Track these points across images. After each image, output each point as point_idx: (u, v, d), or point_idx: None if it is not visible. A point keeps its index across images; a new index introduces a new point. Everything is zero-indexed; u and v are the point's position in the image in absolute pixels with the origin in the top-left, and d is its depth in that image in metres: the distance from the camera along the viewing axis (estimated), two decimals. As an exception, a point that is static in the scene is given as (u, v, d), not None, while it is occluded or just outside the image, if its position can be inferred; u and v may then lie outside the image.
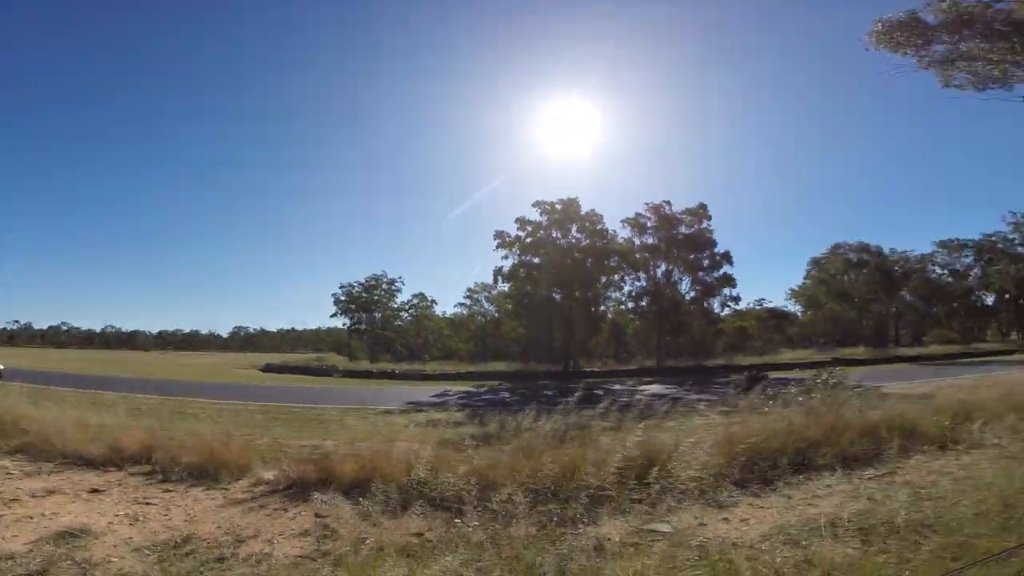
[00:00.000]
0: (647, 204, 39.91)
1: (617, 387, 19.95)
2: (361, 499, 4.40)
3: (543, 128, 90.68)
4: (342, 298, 56.68)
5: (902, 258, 47.61)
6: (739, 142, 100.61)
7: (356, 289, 56.92)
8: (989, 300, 48.66)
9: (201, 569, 3.12)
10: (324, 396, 17.96)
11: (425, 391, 21.03)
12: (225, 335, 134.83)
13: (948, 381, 14.29)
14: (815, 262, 49.79)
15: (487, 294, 56.51)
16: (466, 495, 4.34)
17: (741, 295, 41.38)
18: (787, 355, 35.53)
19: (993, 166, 79.11)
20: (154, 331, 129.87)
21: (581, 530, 3.85)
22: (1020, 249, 43.61)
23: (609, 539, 3.70)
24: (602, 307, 41.20)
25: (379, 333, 56.94)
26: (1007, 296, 46.04)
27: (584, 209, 38.26)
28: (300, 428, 10.03)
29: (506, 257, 38.46)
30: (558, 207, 37.89)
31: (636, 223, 39.57)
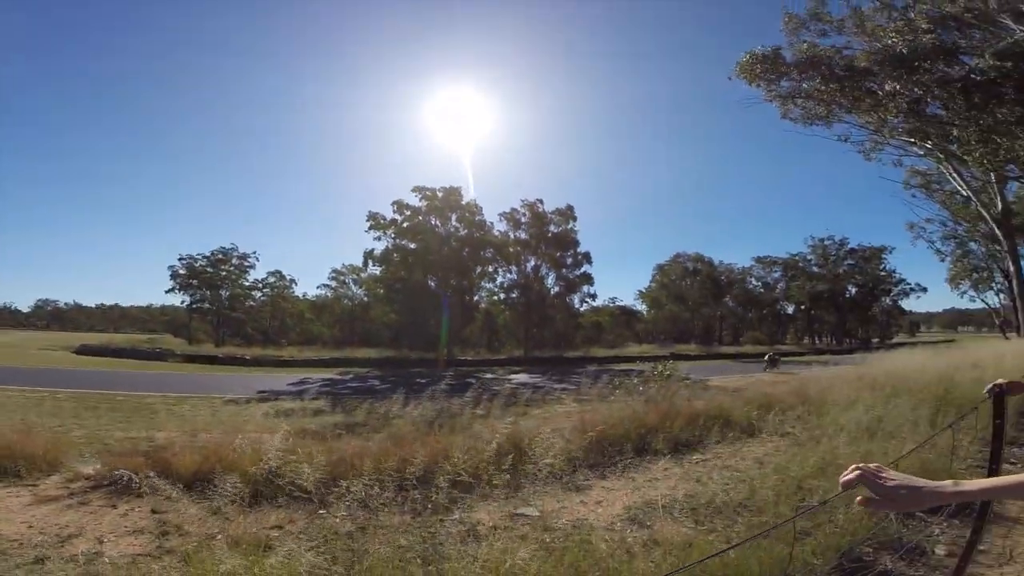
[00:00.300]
0: (523, 201, 41.72)
1: (488, 375, 20.47)
2: (206, 494, 4.05)
3: (426, 117, 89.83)
4: (181, 272, 49.64)
5: (727, 269, 56.03)
6: (605, 150, 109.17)
7: (200, 262, 50.34)
8: (790, 309, 59.25)
9: (17, 571, 2.68)
10: (158, 383, 15.83)
11: (282, 378, 19.52)
12: (25, 310, 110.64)
13: (757, 376, 17.03)
14: (659, 268, 56.66)
15: (355, 277, 54.05)
16: (330, 485, 4.22)
17: (597, 293, 45.78)
18: (634, 349, 39.44)
19: (809, 193, 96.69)
20: None
21: (456, 516, 3.96)
22: (814, 269, 53.84)
23: (482, 524, 3.87)
24: (476, 297, 42.02)
25: (226, 314, 51.16)
26: (802, 307, 56.49)
27: (465, 199, 38.67)
28: (127, 419, 8.74)
29: (379, 239, 37.46)
30: (439, 194, 37.71)
31: (512, 218, 41.09)
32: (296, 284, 56.87)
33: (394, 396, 7.17)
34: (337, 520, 3.74)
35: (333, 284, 56.01)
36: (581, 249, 42.67)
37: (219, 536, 3.35)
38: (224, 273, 51.22)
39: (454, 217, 38.38)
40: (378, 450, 4.96)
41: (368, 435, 6.00)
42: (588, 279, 43.31)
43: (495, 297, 44.36)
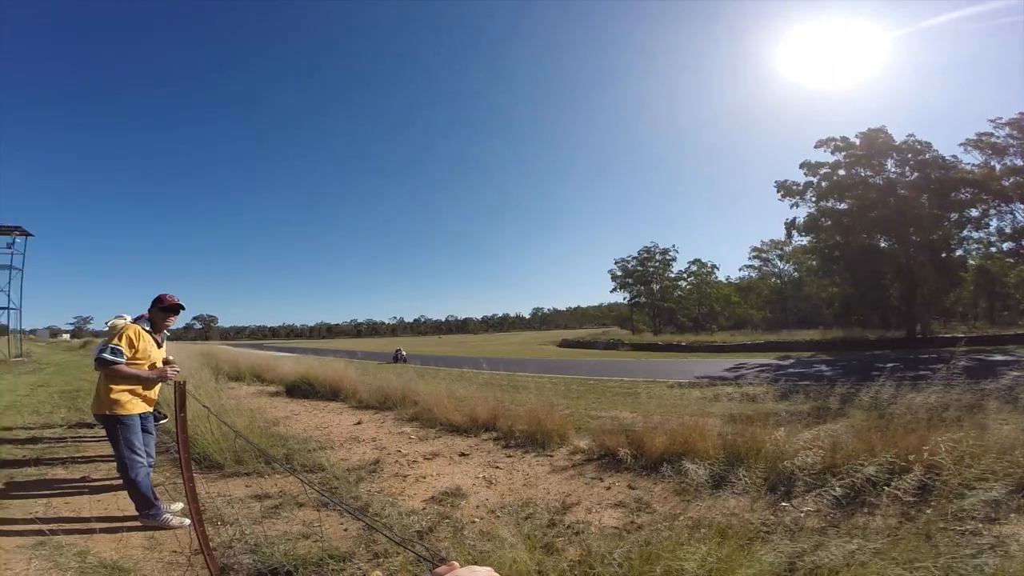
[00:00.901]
0: (994, 121, 28.20)
1: (998, 356, 14.72)
2: (673, 473, 4.30)
3: (817, 63, 74.46)
4: (618, 273, 58.45)
5: None
6: None
7: (630, 263, 57.79)
8: None
9: (537, 533, 3.36)
10: (614, 368, 18.66)
11: (717, 364, 19.71)
12: (527, 316, 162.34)
13: None
14: None
15: (779, 252, 49.80)
16: (796, 475, 3.82)
17: None
18: None
19: None
20: (479, 317, 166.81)
21: (970, 526, 2.97)
22: None
23: (1017, 540, 2.77)
24: (957, 252, 31.06)
25: (659, 305, 56.45)
26: None
27: (898, 139, 29.79)
28: (599, 399, 10.59)
29: (795, 206, 33.08)
30: (855, 142, 30.51)
31: (987, 144, 28.41)
32: (718, 269, 57.38)
33: (853, 383, 5.99)
34: (802, 515, 3.34)
35: (756, 263, 53.50)
36: None
37: (681, 517, 3.50)
38: (651, 269, 57.01)
39: (889, 162, 30.03)
40: (854, 444, 4.17)
41: (830, 425, 5.17)
42: None
43: (992, 249, 31.67)
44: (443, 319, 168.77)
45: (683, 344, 32.92)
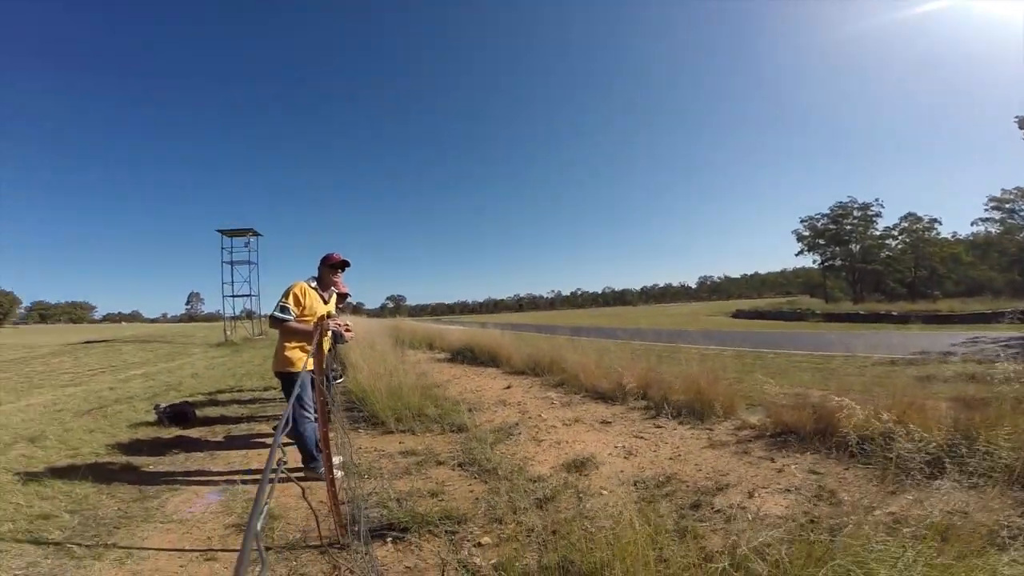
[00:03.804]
0: None
1: None
2: (873, 459, 3.39)
3: None
4: (805, 233, 50.99)
5: None
6: None
7: (821, 221, 49.91)
8: None
9: (674, 514, 2.89)
10: (801, 341, 16.25)
11: (942, 337, 15.80)
12: (693, 285, 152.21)
13: None
14: None
15: (1031, 199, 38.41)
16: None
17: None
18: None
19: None
20: (637, 287, 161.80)
21: None
22: None
23: None
24: None
25: (861, 268, 47.90)
26: None
27: None
28: (780, 374, 9.21)
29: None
30: None
31: None
32: (939, 224, 46.59)
33: None
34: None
35: (996, 216, 41.91)
36: None
37: (877, 512, 2.67)
38: (849, 227, 48.67)
39: None
40: None
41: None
42: None
43: None
44: (599, 291, 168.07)
45: (893, 313, 27.37)
